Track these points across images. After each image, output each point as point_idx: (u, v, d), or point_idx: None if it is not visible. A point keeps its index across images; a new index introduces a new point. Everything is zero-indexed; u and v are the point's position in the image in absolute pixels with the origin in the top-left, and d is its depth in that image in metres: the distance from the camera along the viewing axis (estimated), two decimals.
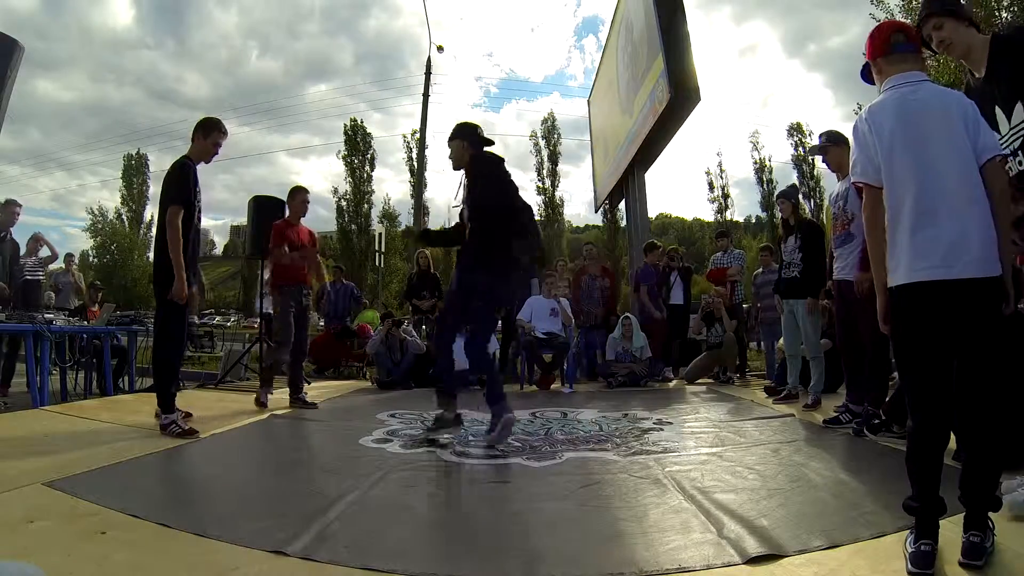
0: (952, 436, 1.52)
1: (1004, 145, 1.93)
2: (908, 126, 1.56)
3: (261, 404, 3.92)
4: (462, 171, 3.17)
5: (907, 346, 1.54)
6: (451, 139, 3.17)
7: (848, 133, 3.41)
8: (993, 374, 1.45)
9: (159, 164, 32.67)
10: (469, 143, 3.12)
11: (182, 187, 3.08)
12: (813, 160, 28.92)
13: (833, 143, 3.35)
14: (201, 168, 3.27)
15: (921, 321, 1.49)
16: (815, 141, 3.67)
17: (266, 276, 5.39)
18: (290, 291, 4.17)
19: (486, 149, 3.16)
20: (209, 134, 3.23)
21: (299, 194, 4.35)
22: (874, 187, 1.60)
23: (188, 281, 3.07)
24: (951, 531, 1.44)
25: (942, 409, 1.47)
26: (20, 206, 5.31)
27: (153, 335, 3.56)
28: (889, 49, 1.65)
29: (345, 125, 29.51)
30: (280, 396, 4.24)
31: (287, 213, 4.50)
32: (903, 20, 10.18)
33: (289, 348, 4.20)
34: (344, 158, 29.35)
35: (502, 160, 3.13)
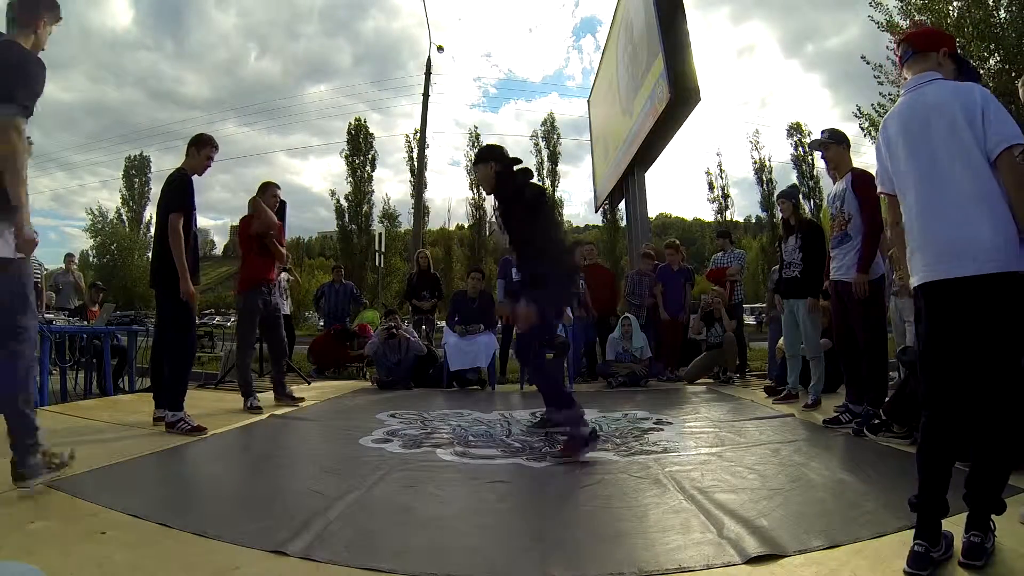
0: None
1: None
2: (911, 130, 1.58)
3: (253, 409, 3.91)
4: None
5: (925, 344, 1.55)
6: (478, 161, 3.03)
7: (848, 133, 3.44)
8: (1007, 374, 1.43)
9: (159, 164, 32.76)
10: (497, 164, 2.95)
11: (183, 196, 3.27)
12: (813, 160, 28.96)
13: (835, 141, 3.34)
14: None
15: (934, 320, 1.51)
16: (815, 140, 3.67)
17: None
18: (255, 293, 4.13)
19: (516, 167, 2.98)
20: (202, 149, 3.41)
21: (269, 188, 4.32)
22: (892, 195, 1.65)
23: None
24: (951, 531, 1.44)
25: (954, 409, 1.46)
26: None
27: (154, 335, 3.58)
28: (902, 61, 1.71)
29: (349, 124, 29.58)
30: (266, 396, 4.23)
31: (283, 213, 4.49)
32: (899, 20, 10.18)
33: (251, 351, 4.26)
34: (346, 158, 29.41)
35: (529, 174, 3.00)
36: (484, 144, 3.11)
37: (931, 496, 1.43)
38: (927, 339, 1.54)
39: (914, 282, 1.55)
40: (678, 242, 6.87)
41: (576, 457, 2.60)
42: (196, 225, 3.43)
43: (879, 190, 1.72)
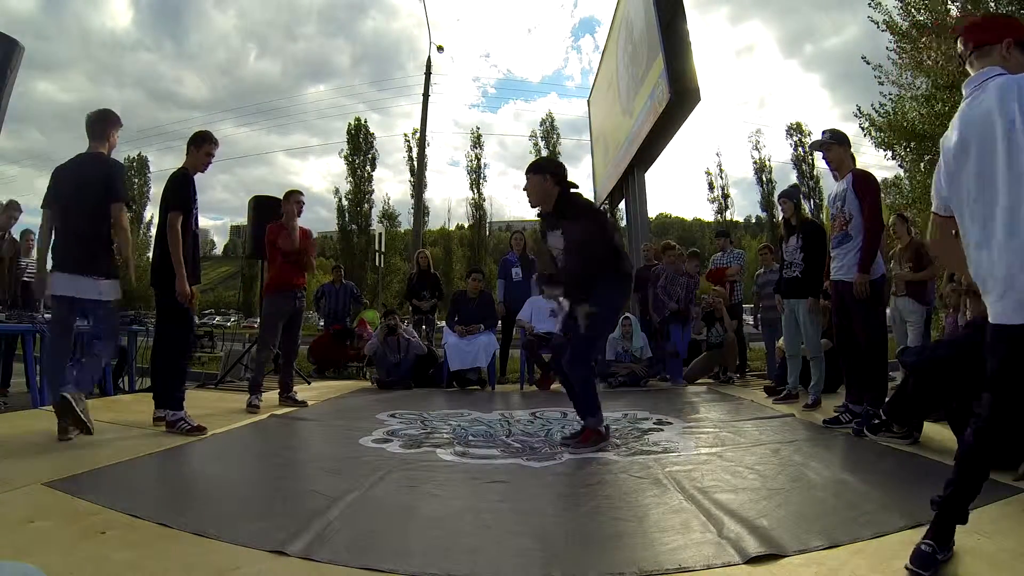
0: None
1: None
2: (967, 141, 1.38)
3: (252, 407, 3.92)
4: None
5: (997, 376, 1.38)
6: (532, 172, 2.97)
7: (848, 133, 3.44)
8: None
9: (159, 165, 32.85)
10: (553, 179, 2.94)
11: (183, 194, 3.25)
12: (813, 160, 28.99)
13: (836, 142, 3.34)
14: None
15: (1005, 362, 1.34)
16: (816, 141, 3.67)
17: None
18: (283, 296, 4.20)
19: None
20: (201, 146, 3.39)
21: (293, 196, 4.40)
22: (940, 215, 1.50)
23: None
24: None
25: (1018, 427, 1.37)
26: (21, 210, 5.33)
27: (154, 335, 3.58)
28: (963, 59, 1.51)
29: (349, 124, 29.66)
30: (270, 396, 4.24)
31: (283, 217, 4.50)
32: (899, 20, 10.15)
33: (270, 351, 4.32)
34: (346, 157, 29.46)
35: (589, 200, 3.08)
36: (542, 156, 3.12)
37: (958, 502, 1.36)
38: (999, 374, 1.37)
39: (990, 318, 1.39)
40: (674, 244, 6.80)
41: (591, 447, 2.78)
42: (198, 224, 3.42)
43: (932, 209, 1.51)
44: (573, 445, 2.83)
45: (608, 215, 3.06)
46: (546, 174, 2.95)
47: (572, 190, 2.99)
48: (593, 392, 2.94)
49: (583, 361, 2.93)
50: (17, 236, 5.28)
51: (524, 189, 3.02)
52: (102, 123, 3.09)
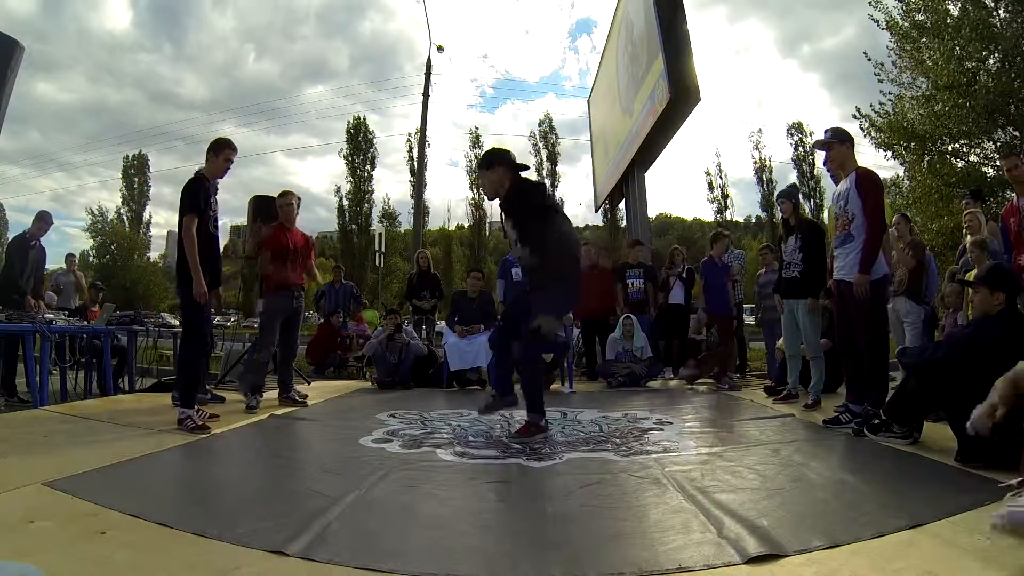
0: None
1: None
2: None
3: (250, 408, 3.92)
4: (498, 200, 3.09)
5: None
6: (486, 166, 3.06)
7: (849, 132, 3.43)
8: None
9: (159, 165, 32.83)
10: (508, 169, 3.02)
11: (195, 198, 3.35)
12: (813, 160, 28.91)
13: (839, 140, 3.33)
14: None
15: None
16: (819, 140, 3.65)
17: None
18: (281, 295, 4.21)
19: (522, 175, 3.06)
20: (220, 152, 3.49)
21: (286, 197, 4.39)
22: None
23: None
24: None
25: None
26: (51, 223, 5.52)
27: (181, 335, 3.77)
28: None
29: (348, 123, 29.64)
30: (270, 395, 4.25)
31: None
32: (899, 19, 10.13)
33: (269, 352, 4.33)
34: (346, 157, 29.45)
35: (542, 185, 3.18)
36: (490, 148, 3.18)
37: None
38: None
39: None
40: (725, 233, 6.29)
41: (530, 440, 2.94)
42: (216, 227, 3.51)
43: None
44: (515, 435, 3.01)
45: (549, 204, 3.11)
46: (497, 167, 3.03)
47: (522, 175, 3.05)
48: (539, 386, 3.09)
49: (532, 349, 3.05)
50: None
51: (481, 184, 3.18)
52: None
